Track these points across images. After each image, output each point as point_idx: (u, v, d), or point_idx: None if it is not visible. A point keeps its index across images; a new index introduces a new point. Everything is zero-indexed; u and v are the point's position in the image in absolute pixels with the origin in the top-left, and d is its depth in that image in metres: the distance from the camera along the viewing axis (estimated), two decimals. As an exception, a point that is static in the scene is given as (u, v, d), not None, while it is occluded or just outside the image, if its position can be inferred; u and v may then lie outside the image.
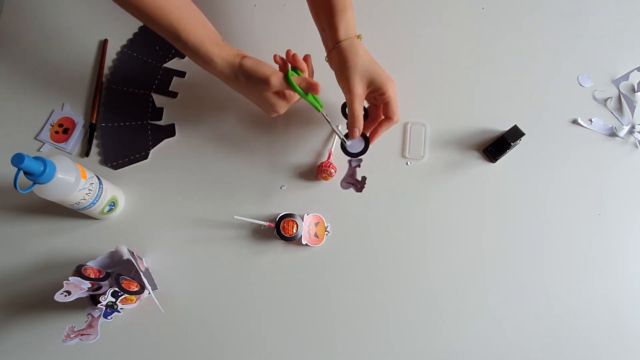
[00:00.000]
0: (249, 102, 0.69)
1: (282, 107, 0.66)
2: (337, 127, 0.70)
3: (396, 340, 0.70)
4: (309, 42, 0.73)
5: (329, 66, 0.70)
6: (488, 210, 0.74)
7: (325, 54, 0.70)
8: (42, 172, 0.57)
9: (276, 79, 0.61)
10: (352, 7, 0.67)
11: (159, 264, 0.72)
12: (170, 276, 0.72)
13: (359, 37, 0.67)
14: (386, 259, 0.72)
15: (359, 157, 0.74)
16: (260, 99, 0.65)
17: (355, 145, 0.72)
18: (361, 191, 0.74)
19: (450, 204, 0.75)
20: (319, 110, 0.66)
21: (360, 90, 0.65)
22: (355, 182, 0.74)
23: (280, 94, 0.65)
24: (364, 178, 0.75)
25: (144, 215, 0.75)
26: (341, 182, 0.74)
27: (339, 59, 0.66)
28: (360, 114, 0.66)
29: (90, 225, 0.74)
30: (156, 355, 0.69)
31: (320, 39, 0.70)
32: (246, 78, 0.63)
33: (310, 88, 0.62)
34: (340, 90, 0.68)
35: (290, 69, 0.65)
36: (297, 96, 0.66)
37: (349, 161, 0.75)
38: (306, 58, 0.67)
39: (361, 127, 0.67)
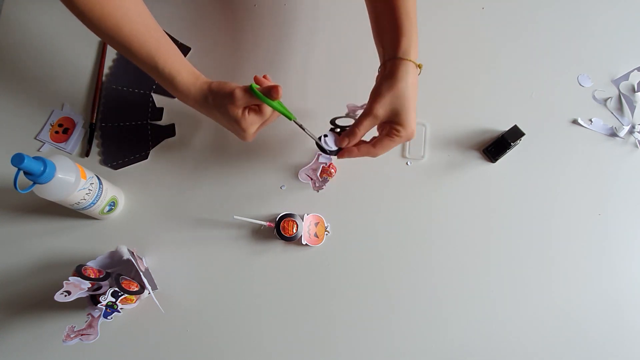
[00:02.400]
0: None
1: (251, 124, 0.63)
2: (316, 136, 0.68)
3: (396, 340, 0.70)
4: (309, 42, 0.74)
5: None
6: (488, 210, 0.74)
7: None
8: (42, 172, 0.57)
9: (240, 91, 0.60)
10: (417, 33, 0.63)
11: (159, 264, 0.72)
12: (170, 276, 0.72)
13: (419, 66, 0.62)
14: (386, 258, 0.72)
15: (329, 155, 0.69)
16: (229, 119, 0.62)
17: (331, 143, 0.67)
18: (317, 191, 0.69)
19: (450, 204, 0.75)
20: (290, 119, 0.64)
21: (380, 112, 0.61)
22: (315, 178, 0.70)
23: (249, 111, 0.63)
24: (325, 179, 0.71)
25: (144, 215, 0.75)
26: (300, 171, 0.71)
27: (385, 73, 0.61)
28: (360, 133, 0.63)
29: (90, 225, 0.74)
30: (156, 355, 0.69)
31: (377, 52, 0.67)
32: (214, 98, 0.62)
33: (270, 91, 0.59)
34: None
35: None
36: (268, 112, 0.63)
37: (318, 155, 0.70)
38: (265, 77, 0.66)
39: (353, 142, 0.64)
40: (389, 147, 0.64)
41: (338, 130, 0.68)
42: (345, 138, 0.64)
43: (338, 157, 0.68)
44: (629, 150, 0.77)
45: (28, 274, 0.72)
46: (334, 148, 0.67)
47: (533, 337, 0.70)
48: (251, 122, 0.63)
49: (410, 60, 0.61)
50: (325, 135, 0.67)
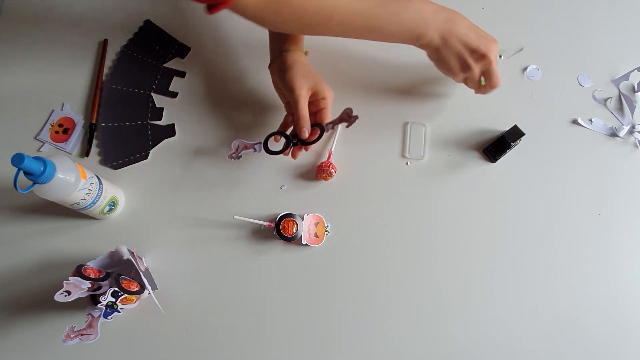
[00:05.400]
0: (249, 101, 0.69)
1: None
2: None
3: (396, 340, 0.70)
4: (308, 42, 0.74)
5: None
6: (488, 211, 0.74)
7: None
8: (42, 172, 0.57)
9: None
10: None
11: (159, 264, 0.72)
12: (170, 276, 0.72)
13: (305, 53, 0.72)
14: (386, 258, 0.72)
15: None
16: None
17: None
18: (350, 125, 0.70)
19: (450, 204, 0.75)
20: None
21: (304, 92, 0.68)
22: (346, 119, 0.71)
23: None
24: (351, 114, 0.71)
25: (144, 215, 0.75)
26: (327, 125, 0.70)
27: (282, 65, 0.69)
28: (306, 113, 0.68)
29: (90, 225, 0.74)
30: (156, 355, 0.69)
31: (269, 48, 0.72)
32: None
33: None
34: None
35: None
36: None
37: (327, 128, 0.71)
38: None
39: (309, 126, 0.68)
40: (329, 113, 0.71)
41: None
42: (303, 128, 0.68)
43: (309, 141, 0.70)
44: (629, 150, 0.77)
45: (28, 274, 0.72)
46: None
47: (533, 335, 0.70)
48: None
49: (299, 50, 0.71)
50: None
